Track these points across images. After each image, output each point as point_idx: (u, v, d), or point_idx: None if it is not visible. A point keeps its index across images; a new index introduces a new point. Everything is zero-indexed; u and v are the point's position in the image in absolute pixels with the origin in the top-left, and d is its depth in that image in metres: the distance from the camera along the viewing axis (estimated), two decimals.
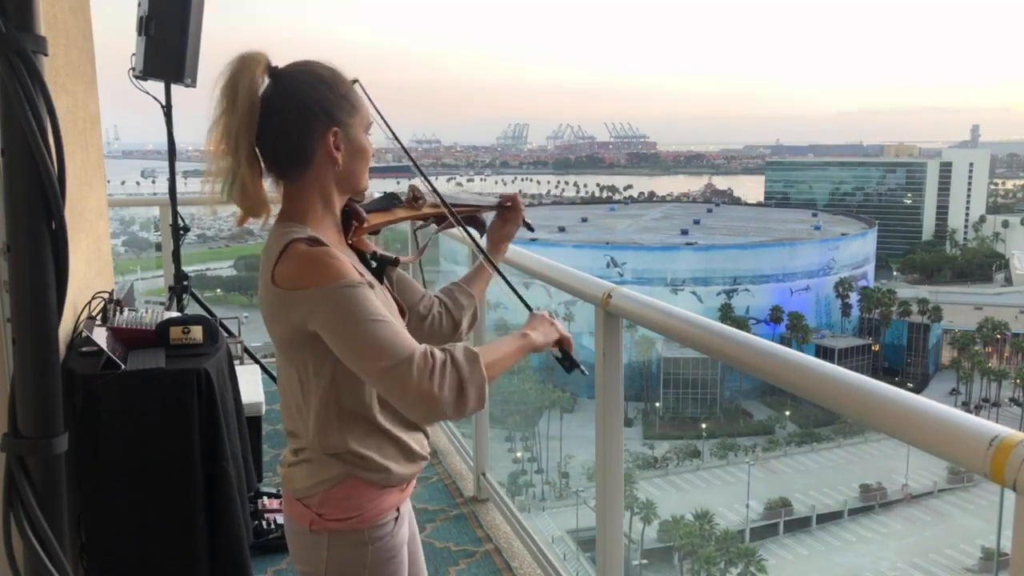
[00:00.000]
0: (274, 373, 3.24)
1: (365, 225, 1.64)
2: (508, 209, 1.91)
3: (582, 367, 1.67)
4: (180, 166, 4.44)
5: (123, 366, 2.39)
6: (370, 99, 1.58)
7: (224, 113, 1.46)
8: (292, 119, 1.49)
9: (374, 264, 1.64)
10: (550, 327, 1.62)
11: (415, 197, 1.78)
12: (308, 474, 1.58)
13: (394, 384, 1.39)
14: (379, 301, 1.45)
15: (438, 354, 1.40)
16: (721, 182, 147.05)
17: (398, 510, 1.63)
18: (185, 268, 4.38)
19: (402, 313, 1.66)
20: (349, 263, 1.47)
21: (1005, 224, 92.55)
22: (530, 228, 1.96)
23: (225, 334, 3.46)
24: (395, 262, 1.66)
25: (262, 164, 1.52)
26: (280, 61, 1.55)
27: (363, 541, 1.58)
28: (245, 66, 1.47)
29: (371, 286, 1.47)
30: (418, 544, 1.84)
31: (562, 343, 1.64)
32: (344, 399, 1.53)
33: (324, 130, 1.50)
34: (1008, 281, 77.96)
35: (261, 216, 1.54)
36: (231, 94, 1.46)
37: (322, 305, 1.41)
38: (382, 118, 1.61)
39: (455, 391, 1.39)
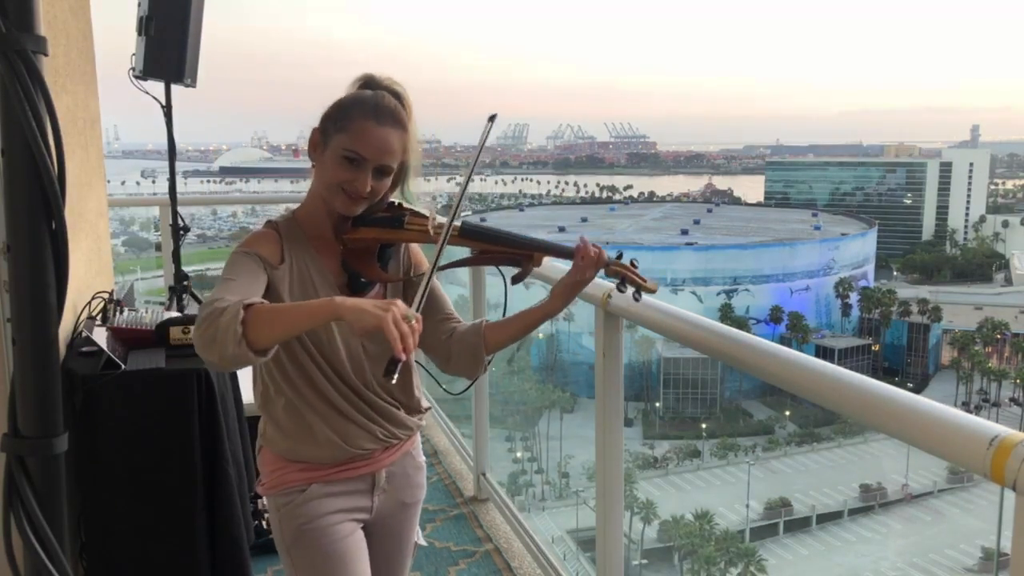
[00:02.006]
0: None
1: (347, 235, 1.69)
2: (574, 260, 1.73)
3: (394, 377, 1.36)
4: (180, 166, 4.44)
5: (123, 366, 2.39)
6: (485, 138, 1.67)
7: None
8: None
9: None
10: (377, 311, 1.35)
11: (428, 227, 1.69)
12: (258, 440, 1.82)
13: None
14: (253, 269, 1.59)
15: (220, 304, 1.42)
16: (721, 182, 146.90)
17: (309, 485, 1.74)
18: (185, 268, 4.37)
19: None
20: (265, 243, 1.65)
21: (1005, 224, 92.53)
22: (635, 296, 1.77)
23: None
24: (359, 276, 1.71)
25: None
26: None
27: (275, 506, 1.78)
28: (351, 83, 1.73)
29: (266, 261, 1.62)
30: (355, 541, 1.80)
31: (383, 334, 1.34)
32: (271, 366, 1.70)
33: (316, 128, 1.70)
34: (1008, 281, 77.93)
35: None
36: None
37: None
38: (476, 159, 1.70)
39: (207, 335, 1.41)
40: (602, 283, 2.34)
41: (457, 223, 1.67)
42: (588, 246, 1.72)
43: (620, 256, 1.76)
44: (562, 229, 64.32)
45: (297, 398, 1.70)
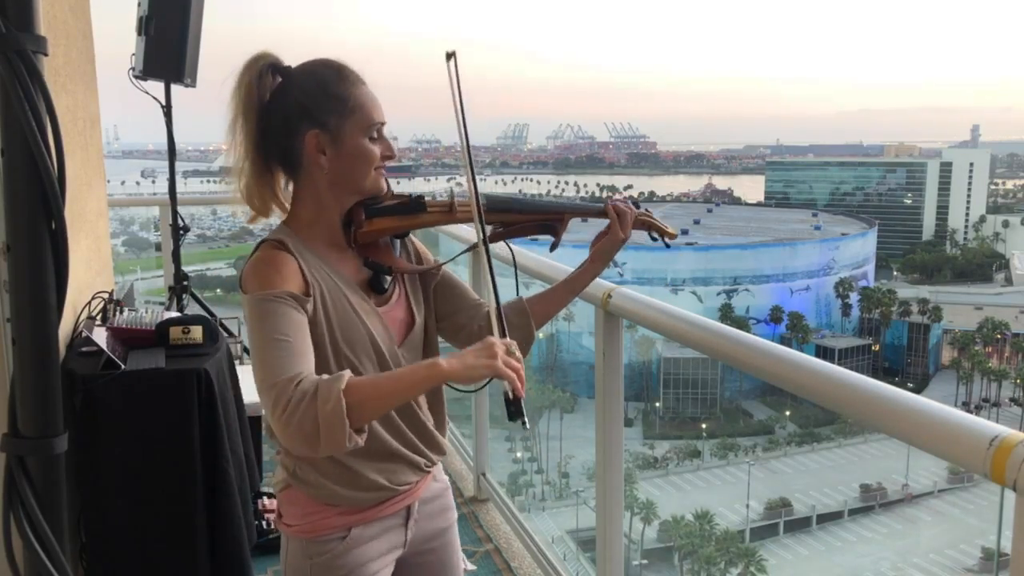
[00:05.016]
0: None
1: (363, 230, 1.52)
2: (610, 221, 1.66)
3: (525, 420, 1.32)
4: (180, 166, 4.44)
5: (123, 366, 2.38)
6: (457, 79, 1.43)
7: (232, 114, 1.48)
8: (279, 122, 1.48)
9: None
10: (483, 360, 1.28)
11: (452, 202, 1.56)
12: (277, 471, 1.61)
13: (264, 406, 1.32)
14: (297, 320, 1.37)
15: (303, 386, 1.26)
16: (721, 182, 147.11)
17: (349, 531, 1.56)
18: (185, 268, 4.38)
19: (411, 322, 1.60)
20: (287, 273, 1.42)
21: (1005, 224, 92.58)
22: (664, 241, 1.73)
23: (225, 334, 3.46)
24: (388, 271, 1.56)
25: (270, 165, 1.52)
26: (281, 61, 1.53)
27: (306, 553, 1.56)
28: (248, 68, 1.47)
29: (300, 300, 1.40)
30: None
31: (503, 380, 1.28)
32: None
33: (305, 132, 1.46)
34: (1008, 281, 77.98)
35: (265, 216, 1.54)
36: (236, 95, 1.47)
37: (246, 313, 1.40)
38: (460, 106, 1.45)
39: (306, 428, 1.24)
40: (602, 283, 2.35)
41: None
42: (618, 203, 1.67)
43: (637, 203, 1.73)
44: None
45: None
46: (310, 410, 1.23)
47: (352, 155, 1.48)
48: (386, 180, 1.55)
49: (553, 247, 1.70)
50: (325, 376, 1.28)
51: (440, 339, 1.71)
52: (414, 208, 1.55)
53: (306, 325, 1.40)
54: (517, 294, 1.70)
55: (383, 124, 1.51)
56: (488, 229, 1.57)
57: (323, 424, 1.23)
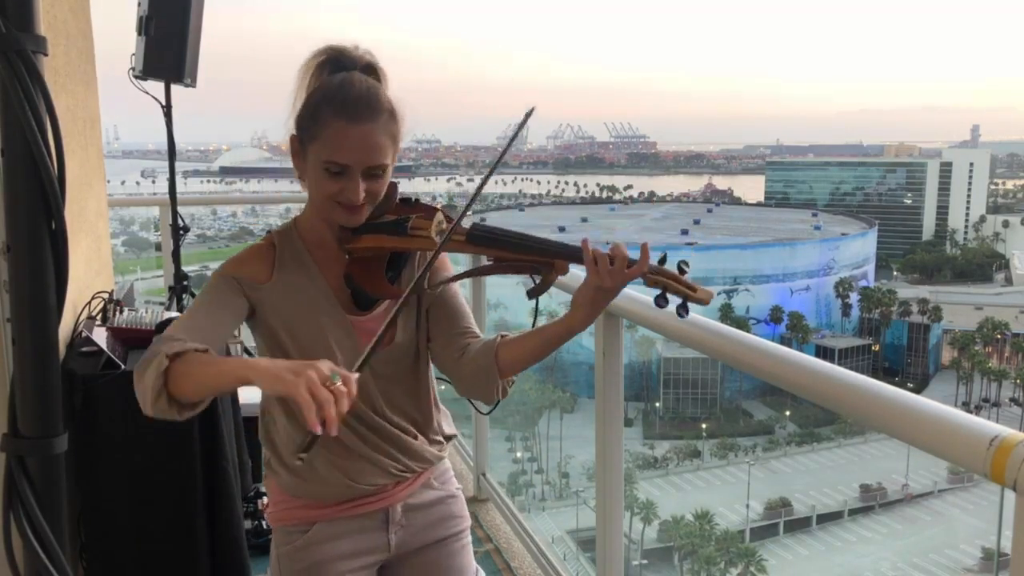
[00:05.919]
0: None
1: (349, 245, 1.48)
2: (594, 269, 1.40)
3: (302, 457, 1.18)
4: (180, 166, 4.44)
5: (123, 366, 2.39)
6: (517, 131, 1.40)
7: (296, 85, 1.50)
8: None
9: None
10: (288, 376, 1.16)
11: (431, 228, 1.45)
12: None
13: None
14: (222, 299, 1.45)
15: (159, 346, 1.32)
16: (721, 182, 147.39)
17: (312, 525, 1.56)
18: (185, 268, 4.37)
19: (391, 338, 1.54)
20: (249, 260, 1.49)
21: (1005, 224, 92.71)
22: (680, 311, 1.46)
23: None
24: (361, 291, 1.51)
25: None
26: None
27: (276, 542, 1.60)
28: (318, 52, 1.48)
29: (243, 284, 1.47)
30: None
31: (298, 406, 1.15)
32: (267, 395, 1.55)
33: (293, 134, 1.48)
34: (1008, 281, 78.10)
35: (301, 180, 1.54)
36: (300, 70, 1.49)
37: None
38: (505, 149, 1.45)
39: (139, 383, 1.35)
40: None
41: (466, 225, 1.43)
42: (591, 254, 1.39)
43: (664, 260, 1.45)
44: (562, 229, 64.37)
45: (296, 431, 1.50)
46: (147, 369, 1.31)
47: (309, 176, 1.45)
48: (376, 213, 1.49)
49: (533, 294, 1.47)
50: (179, 342, 1.32)
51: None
52: (399, 230, 1.47)
53: (234, 308, 1.46)
54: (533, 325, 1.53)
55: (348, 167, 1.41)
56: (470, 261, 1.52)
57: (147, 383, 1.31)
